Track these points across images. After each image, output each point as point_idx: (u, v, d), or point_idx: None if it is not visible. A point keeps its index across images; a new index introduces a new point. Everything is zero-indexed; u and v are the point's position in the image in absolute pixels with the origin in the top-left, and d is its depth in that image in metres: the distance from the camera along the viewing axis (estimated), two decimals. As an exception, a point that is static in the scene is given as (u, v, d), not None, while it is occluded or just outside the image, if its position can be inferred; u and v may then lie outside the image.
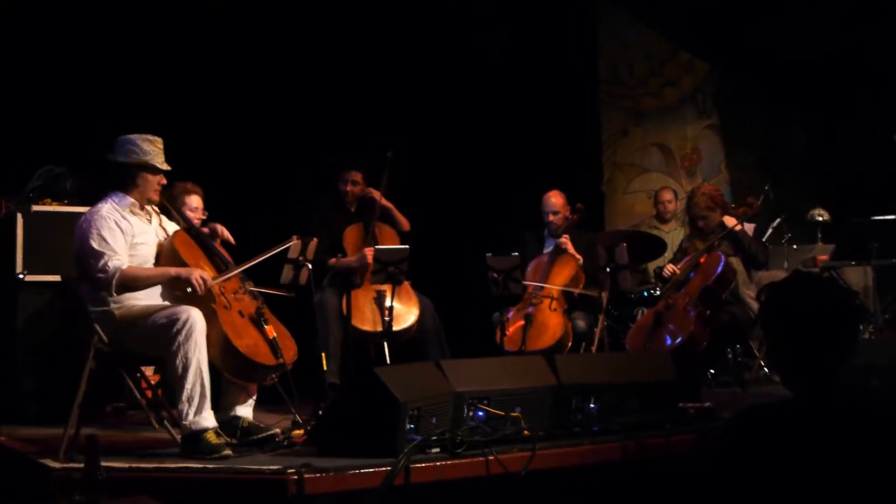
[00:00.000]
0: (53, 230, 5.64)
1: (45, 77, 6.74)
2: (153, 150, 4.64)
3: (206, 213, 5.60)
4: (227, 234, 4.96)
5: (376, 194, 6.38)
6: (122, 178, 4.65)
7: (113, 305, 4.49)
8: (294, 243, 5.22)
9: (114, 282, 4.40)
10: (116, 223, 4.53)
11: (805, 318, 2.30)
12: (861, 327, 7.00)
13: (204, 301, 4.49)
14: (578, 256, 6.57)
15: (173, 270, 4.55)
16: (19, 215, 5.62)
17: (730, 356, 6.94)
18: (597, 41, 9.95)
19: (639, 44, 9.89)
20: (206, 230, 4.95)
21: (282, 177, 7.41)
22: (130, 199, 4.64)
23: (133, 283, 4.47)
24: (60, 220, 5.66)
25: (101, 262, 4.41)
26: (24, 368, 5.65)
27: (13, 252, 5.61)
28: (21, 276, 5.59)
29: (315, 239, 5.43)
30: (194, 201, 5.61)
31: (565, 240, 6.59)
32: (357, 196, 6.52)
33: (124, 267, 4.44)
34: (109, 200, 4.62)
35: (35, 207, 5.67)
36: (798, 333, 2.30)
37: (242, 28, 7.55)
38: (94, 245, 4.45)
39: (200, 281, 4.47)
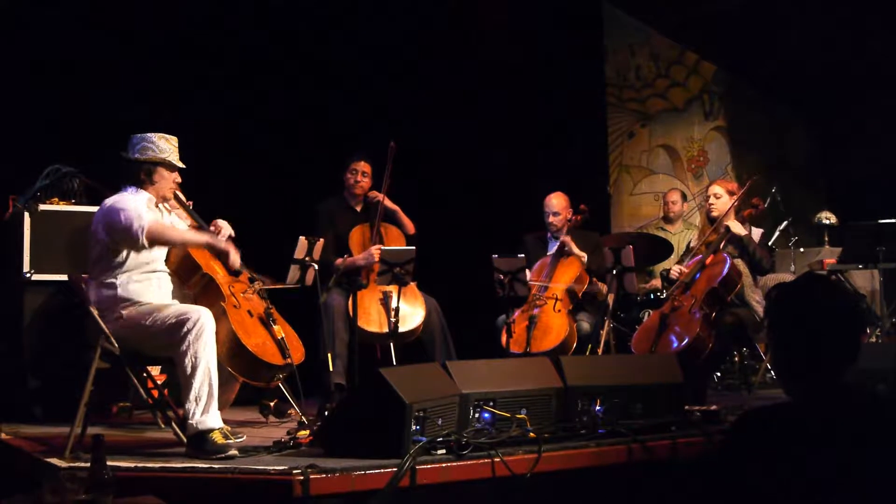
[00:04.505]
0: (60, 229, 5.66)
1: (51, 77, 6.73)
2: (169, 147, 4.69)
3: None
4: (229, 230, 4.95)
5: (381, 196, 6.37)
6: (138, 174, 4.66)
7: (121, 305, 4.49)
8: (301, 244, 5.23)
9: (144, 229, 4.43)
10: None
11: (810, 318, 2.29)
12: (868, 331, 6.99)
13: (213, 300, 4.51)
14: (582, 254, 6.55)
15: (204, 240, 4.63)
16: (27, 214, 5.62)
17: (736, 359, 6.93)
18: (603, 42, 9.95)
19: (645, 46, 9.90)
20: (212, 227, 4.94)
21: (289, 177, 7.41)
22: (147, 195, 4.66)
23: (163, 234, 4.52)
24: (68, 219, 5.68)
25: (132, 214, 4.46)
26: (30, 368, 5.66)
27: (20, 251, 5.62)
28: (28, 275, 5.60)
29: (321, 239, 5.44)
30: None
31: (568, 239, 6.56)
32: (365, 190, 6.51)
33: (153, 220, 4.53)
34: (126, 193, 4.64)
35: (42, 206, 5.67)
36: (802, 333, 2.29)
37: (256, 28, 7.57)
38: (121, 206, 4.50)
39: (231, 248, 4.60)
